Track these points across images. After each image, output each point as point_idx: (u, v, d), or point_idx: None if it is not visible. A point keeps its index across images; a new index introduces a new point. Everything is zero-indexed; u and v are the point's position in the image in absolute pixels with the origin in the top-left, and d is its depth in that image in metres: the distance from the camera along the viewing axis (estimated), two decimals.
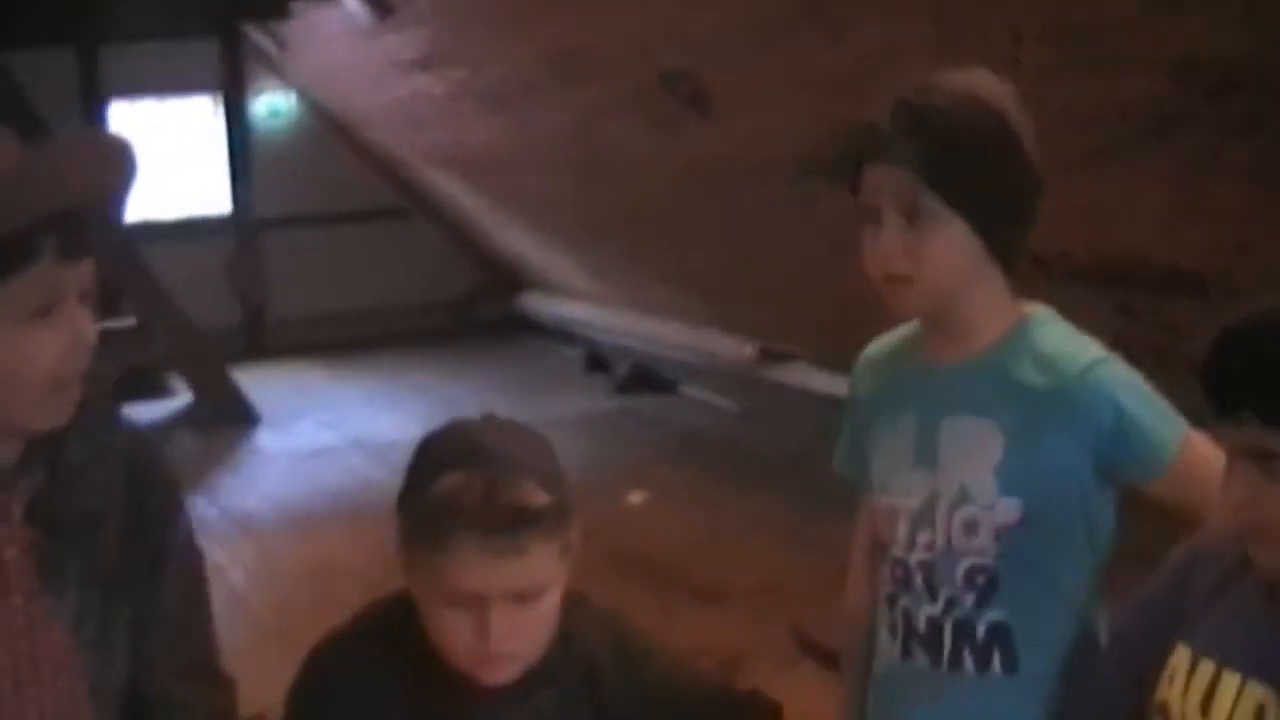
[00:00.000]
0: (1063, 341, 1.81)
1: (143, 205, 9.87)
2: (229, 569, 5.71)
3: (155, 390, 9.02)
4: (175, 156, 10.22)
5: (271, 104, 10.30)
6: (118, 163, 1.54)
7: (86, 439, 1.60)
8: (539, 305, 10.33)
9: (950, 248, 1.76)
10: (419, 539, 1.63)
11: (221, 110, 10.25)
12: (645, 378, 8.57)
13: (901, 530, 1.87)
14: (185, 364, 8.55)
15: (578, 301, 9.64)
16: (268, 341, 10.36)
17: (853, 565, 2.09)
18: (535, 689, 1.69)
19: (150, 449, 1.71)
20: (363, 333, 10.39)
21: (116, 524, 1.62)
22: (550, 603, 1.66)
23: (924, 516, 1.85)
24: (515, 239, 9.55)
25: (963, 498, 1.81)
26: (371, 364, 9.86)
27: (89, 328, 1.55)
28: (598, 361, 9.21)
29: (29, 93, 8.09)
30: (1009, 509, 1.77)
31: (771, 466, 6.69)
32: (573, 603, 1.73)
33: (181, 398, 8.86)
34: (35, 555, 1.55)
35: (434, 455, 1.67)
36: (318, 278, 10.30)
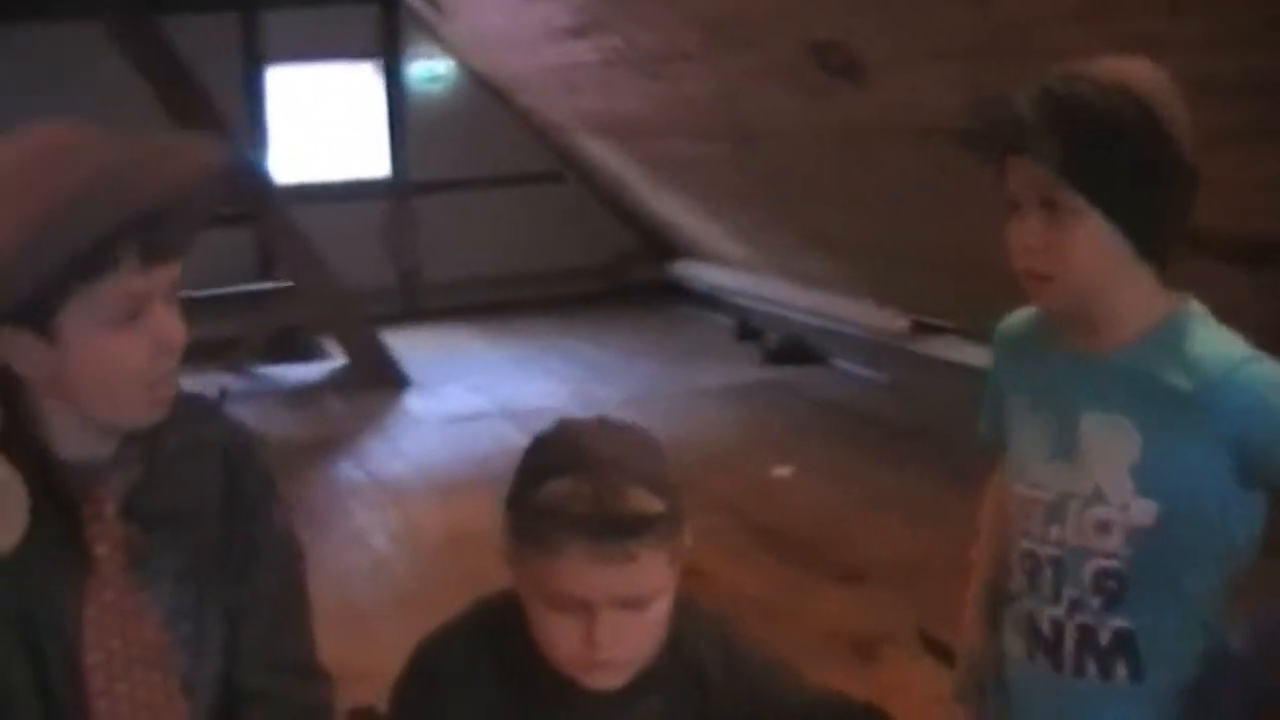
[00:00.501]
0: (1210, 341, 1.76)
1: (301, 167, 10.18)
2: (373, 534, 5.88)
3: (308, 352, 9.33)
4: (334, 120, 10.50)
5: (429, 68, 10.50)
6: (199, 164, 1.54)
7: (182, 434, 1.63)
8: (691, 272, 10.39)
9: (1092, 247, 1.73)
10: (527, 541, 1.63)
11: (380, 74, 10.48)
12: (796, 348, 8.58)
13: (1036, 522, 1.86)
14: (336, 326, 8.78)
15: (730, 269, 9.70)
16: (421, 304, 10.60)
17: (980, 547, 2.10)
18: (641, 694, 1.69)
19: (246, 442, 1.73)
20: (514, 297, 10.58)
21: (212, 518, 1.64)
22: (659, 610, 1.65)
23: (1057, 511, 1.83)
24: (668, 205, 9.62)
25: (1097, 497, 1.79)
26: (523, 328, 10.03)
27: (176, 329, 1.57)
28: (748, 330, 9.24)
29: (190, 58, 8.34)
30: (1143, 511, 1.75)
31: (920, 441, 6.67)
32: (683, 605, 1.72)
33: (333, 360, 9.13)
34: (129, 550, 1.58)
35: (544, 457, 1.66)
36: (471, 241, 10.49)
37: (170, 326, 1.56)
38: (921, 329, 7.55)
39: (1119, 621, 1.79)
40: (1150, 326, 1.78)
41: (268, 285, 9.35)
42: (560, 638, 1.63)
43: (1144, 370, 1.76)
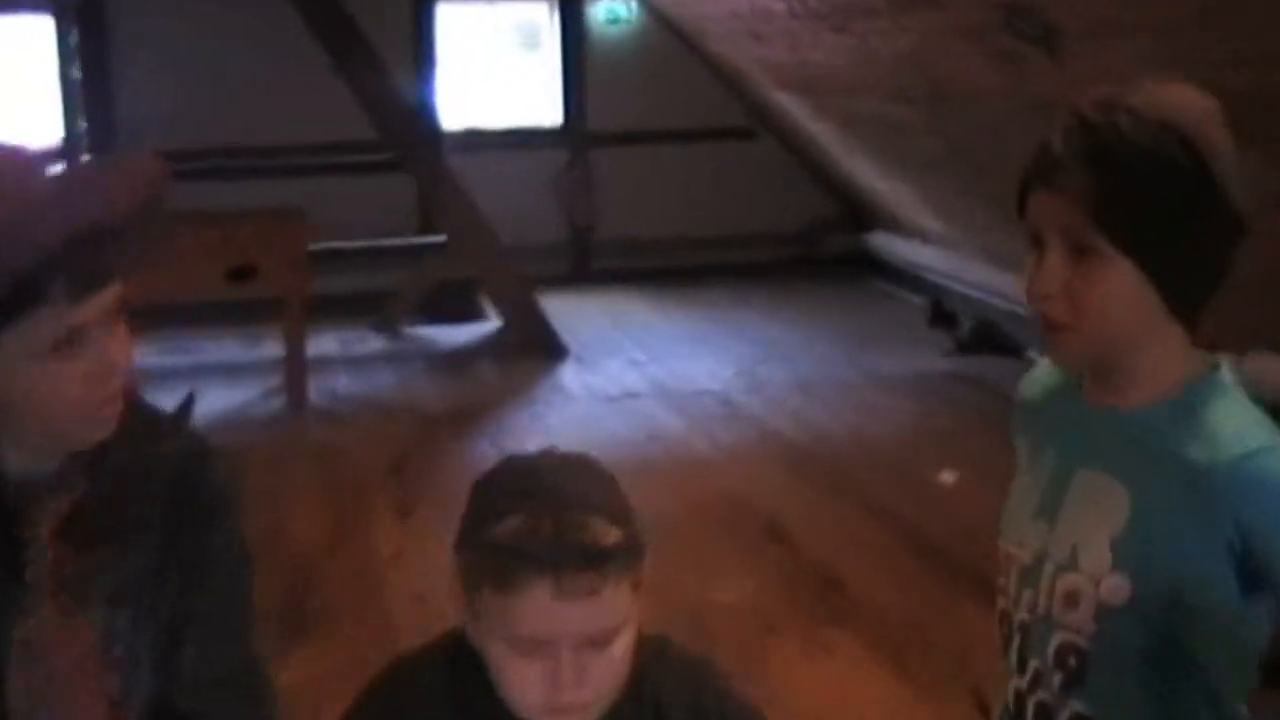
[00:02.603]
0: (1229, 418, 1.69)
1: (470, 113, 10.36)
2: None
3: (464, 313, 9.52)
4: (504, 63, 10.65)
5: (611, 9, 10.55)
6: (130, 186, 1.57)
7: (132, 449, 1.68)
8: (887, 245, 10.30)
9: (1117, 298, 1.68)
10: (486, 583, 1.66)
11: (557, 15, 10.57)
12: (990, 337, 8.46)
13: (1013, 582, 1.84)
14: (493, 287, 8.94)
15: (928, 244, 9.61)
16: (591, 266, 10.73)
17: None
18: None
19: (199, 458, 1.76)
20: (692, 262, 10.63)
21: (156, 534, 1.69)
22: (623, 646, 1.68)
23: (1032, 573, 1.80)
24: (863, 169, 9.55)
25: (1071, 562, 1.75)
26: (697, 298, 10.08)
27: (116, 354, 1.61)
28: (942, 315, 9.13)
29: None
30: (1116, 588, 1.69)
31: None
32: (652, 649, 1.76)
33: (490, 323, 9.31)
34: (62, 572, 1.62)
35: (497, 494, 1.69)
36: (650, 200, 10.57)
37: (107, 353, 1.60)
38: None
39: (1078, 705, 1.76)
40: (1169, 390, 1.72)
41: (423, 239, 9.55)
42: (522, 683, 1.67)
43: (1151, 435, 1.71)
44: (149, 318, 8.63)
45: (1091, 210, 1.65)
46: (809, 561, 5.44)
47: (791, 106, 9.62)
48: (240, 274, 7.34)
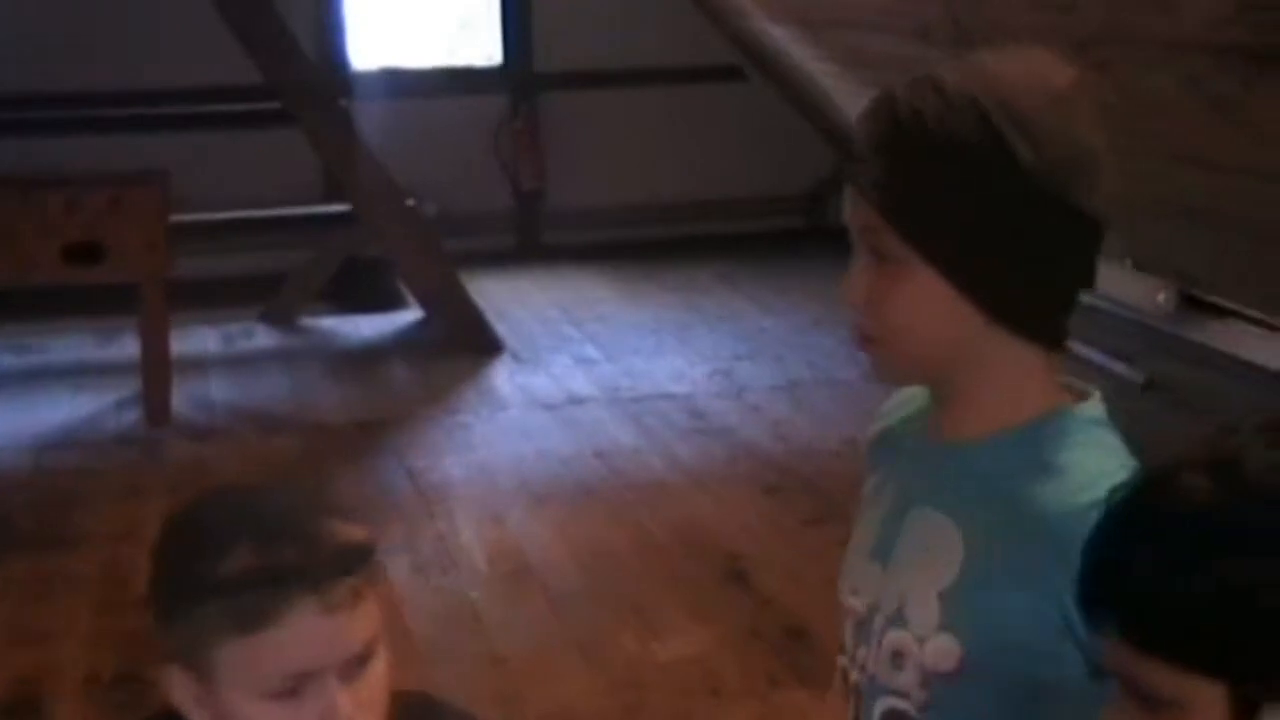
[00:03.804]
0: (1087, 460, 1.71)
1: (386, 50, 10.34)
2: (392, 558, 5.98)
3: (381, 299, 9.48)
4: None
5: None
6: None
7: None
8: None
9: (922, 308, 1.73)
10: (223, 633, 1.71)
11: None
12: None
13: (848, 635, 1.90)
14: (411, 267, 8.88)
15: None
16: (542, 238, 10.71)
17: None
18: None
19: None
20: (665, 234, 10.67)
21: None
22: (380, 672, 1.78)
23: (864, 627, 1.86)
24: None
25: (898, 616, 1.79)
26: (669, 279, 10.12)
27: None
28: None
29: None
30: (944, 651, 1.74)
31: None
32: (418, 706, 1.90)
33: (412, 311, 9.29)
34: None
35: (207, 530, 1.76)
36: (612, 157, 10.58)
37: None
38: (1194, 306, 7.36)
39: None
40: (1019, 423, 1.76)
41: (323, 208, 9.50)
42: None
43: (993, 473, 1.75)
44: None
45: (881, 208, 1.71)
46: (773, 609, 5.43)
47: (789, 44, 9.58)
48: (82, 253, 7.29)
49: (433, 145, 9.90)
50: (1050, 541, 1.65)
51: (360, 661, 1.74)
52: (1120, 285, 7.74)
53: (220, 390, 8.13)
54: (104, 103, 9.61)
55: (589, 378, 8.16)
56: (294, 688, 1.71)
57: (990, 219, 1.69)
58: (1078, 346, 7.13)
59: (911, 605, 1.77)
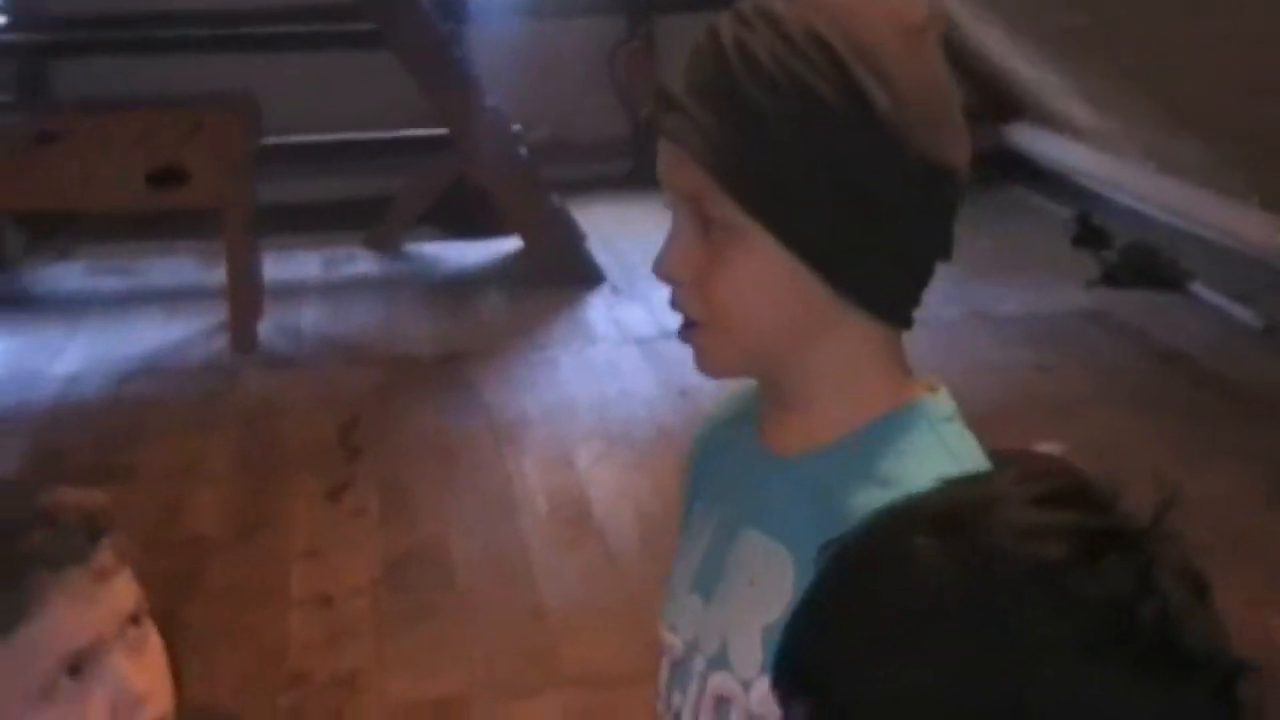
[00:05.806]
0: (924, 466, 1.46)
1: None
2: (461, 497, 5.82)
3: (490, 224, 9.25)
4: None
5: None
6: None
7: None
8: (1030, 141, 10.02)
9: (759, 284, 1.51)
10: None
11: None
12: (1144, 264, 8.14)
13: (663, 678, 1.70)
14: (506, 195, 8.64)
15: (1079, 142, 9.35)
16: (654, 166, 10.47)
17: None
18: None
19: None
20: None
21: None
22: (156, 636, 1.75)
23: (682, 669, 1.66)
24: (995, 41, 9.25)
25: (721, 658, 1.59)
26: None
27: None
28: (1089, 233, 8.82)
29: None
30: (769, 699, 1.51)
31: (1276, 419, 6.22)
32: None
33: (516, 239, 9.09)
34: None
35: None
36: None
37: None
38: None
39: None
40: (858, 425, 1.55)
41: (416, 131, 9.29)
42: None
43: (828, 489, 1.52)
44: (72, 230, 8.72)
45: (708, 162, 1.48)
46: None
47: None
48: (166, 178, 7.19)
49: (548, 68, 9.72)
50: None
51: (134, 621, 1.70)
52: (1244, 224, 7.48)
53: (311, 318, 8.05)
54: (184, 22, 9.46)
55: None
56: (75, 676, 1.64)
57: (841, 177, 1.47)
58: (1195, 287, 6.89)
59: (734, 645, 1.58)
